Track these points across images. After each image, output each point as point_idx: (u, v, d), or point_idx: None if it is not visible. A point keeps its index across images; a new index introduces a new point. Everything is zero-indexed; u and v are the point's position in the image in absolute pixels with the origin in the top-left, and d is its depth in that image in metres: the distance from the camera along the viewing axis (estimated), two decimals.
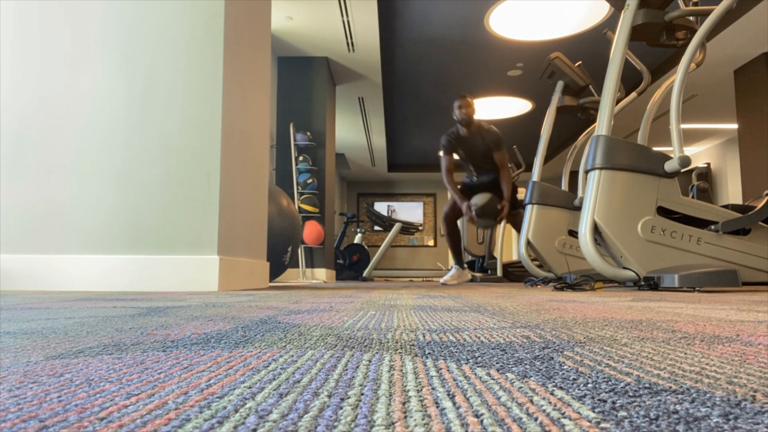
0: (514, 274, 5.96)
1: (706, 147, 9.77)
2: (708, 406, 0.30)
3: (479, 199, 4.10)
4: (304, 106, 6.07)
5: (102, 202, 2.32)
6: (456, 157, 4.44)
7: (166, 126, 2.35)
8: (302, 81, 6.08)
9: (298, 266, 5.80)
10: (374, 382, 0.36)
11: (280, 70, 6.11)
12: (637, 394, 0.33)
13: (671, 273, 2.38)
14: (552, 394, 0.33)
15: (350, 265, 7.57)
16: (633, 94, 3.75)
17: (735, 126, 8.30)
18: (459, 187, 4.43)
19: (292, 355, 0.48)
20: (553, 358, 0.47)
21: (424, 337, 0.62)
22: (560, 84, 4.18)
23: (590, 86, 4.12)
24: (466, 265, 4.61)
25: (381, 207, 13.17)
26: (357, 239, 9.25)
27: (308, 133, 5.91)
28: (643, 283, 2.53)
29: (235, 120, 2.55)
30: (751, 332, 0.67)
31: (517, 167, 6.63)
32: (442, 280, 4.30)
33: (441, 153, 4.33)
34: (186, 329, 0.70)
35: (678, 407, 0.30)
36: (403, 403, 0.30)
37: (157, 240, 2.29)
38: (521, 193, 5.94)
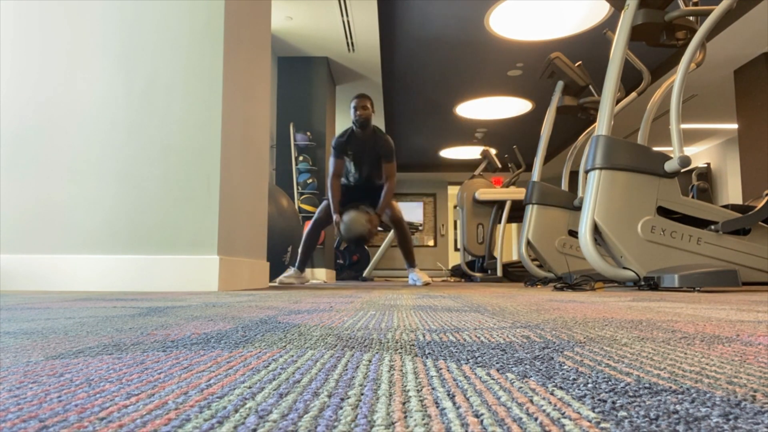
0: (514, 274, 5.96)
1: (706, 147, 9.77)
2: (708, 406, 0.30)
3: (348, 218, 3.80)
4: (304, 106, 6.07)
5: (102, 202, 2.32)
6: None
7: (166, 126, 2.35)
8: (302, 81, 6.08)
9: None
10: (374, 382, 0.36)
11: (280, 70, 6.11)
12: (637, 394, 0.33)
13: (671, 273, 2.38)
14: (552, 394, 0.33)
15: (350, 265, 7.57)
16: (633, 94, 3.75)
17: (735, 126, 8.30)
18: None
19: (292, 355, 0.48)
20: (553, 358, 0.47)
21: (424, 337, 0.62)
22: (560, 84, 4.18)
23: (590, 86, 4.12)
24: (306, 271, 4.42)
25: None
26: None
27: (308, 133, 5.91)
28: (643, 283, 2.53)
29: (235, 120, 2.55)
30: (751, 332, 0.67)
31: (517, 167, 6.63)
32: (278, 280, 4.02)
33: (331, 157, 4.01)
34: (186, 329, 0.70)
35: (678, 407, 0.30)
36: (403, 403, 0.30)
37: (157, 240, 2.29)
38: (522, 194, 5.94)
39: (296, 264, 4.09)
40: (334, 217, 3.91)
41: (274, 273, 4.04)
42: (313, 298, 1.54)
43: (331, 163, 4.02)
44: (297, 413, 0.28)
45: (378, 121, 8.42)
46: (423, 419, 0.27)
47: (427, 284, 3.94)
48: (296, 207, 5.32)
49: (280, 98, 6.08)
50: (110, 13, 2.42)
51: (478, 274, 6.06)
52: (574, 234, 4.18)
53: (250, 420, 0.27)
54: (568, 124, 8.95)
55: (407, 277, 4.09)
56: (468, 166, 12.14)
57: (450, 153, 11.16)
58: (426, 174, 12.60)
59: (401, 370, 0.41)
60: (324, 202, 4.16)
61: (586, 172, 2.71)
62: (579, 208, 4.11)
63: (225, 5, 2.44)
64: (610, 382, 0.36)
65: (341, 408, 0.29)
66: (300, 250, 4.10)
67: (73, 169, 2.35)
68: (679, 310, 1.07)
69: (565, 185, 4.46)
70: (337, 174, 4.02)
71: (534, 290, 2.58)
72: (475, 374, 0.39)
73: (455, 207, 13.18)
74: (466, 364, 0.44)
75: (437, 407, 0.29)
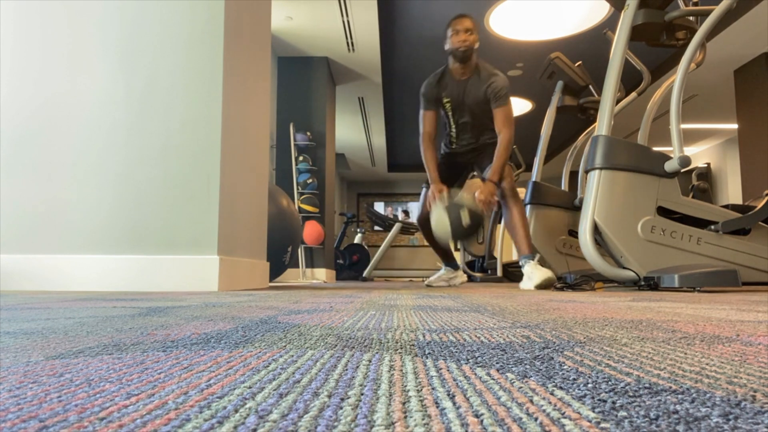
0: (514, 274, 5.96)
1: (706, 147, 9.77)
2: (708, 406, 0.30)
3: (464, 201, 2.71)
4: (304, 106, 6.07)
5: (102, 202, 2.32)
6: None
7: (166, 126, 2.35)
8: (302, 81, 6.08)
9: (298, 266, 5.80)
10: (374, 382, 0.36)
11: (280, 70, 6.11)
12: (637, 394, 0.33)
13: (671, 273, 2.38)
14: (552, 394, 0.33)
15: (350, 265, 7.57)
16: (633, 94, 3.75)
17: (735, 126, 8.30)
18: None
19: (292, 355, 0.48)
20: (553, 358, 0.47)
21: (424, 337, 0.62)
22: (560, 84, 4.18)
23: (590, 86, 4.12)
24: (461, 266, 3.56)
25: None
26: (357, 239, 9.26)
27: (308, 133, 5.91)
28: (643, 283, 2.53)
29: (235, 120, 2.55)
30: (751, 332, 0.67)
31: (517, 167, 6.63)
32: (427, 281, 3.37)
33: (420, 110, 3.13)
34: (186, 329, 0.70)
35: (678, 407, 0.30)
36: (403, 403, 0.30)
37: (157, 240, 2.29)
38: (522, 194, 5.93)
39: (445, 264, 3.41)
40: (432, 190, 2.95)
41: (274, 273, 4.04)
42: (313, 298, 1.54)
43: (420, 118, 3.12)
44: (297, 413, 0.28)
45: (378, 121, 8.40)
46: (423, 419, 0.27)
47: (544, 286, 2.65)
48: (296, 207, 5.32)
49: (280, 98, 6.08)
50: (110, 13, 2.42)
51: (478, 274, 6.06)
52: (574, 234, 4.18)
53: (250, 420, 0.27)
54: (568, 124, 8.95)
55: (520, 269, 2.83)
56: None
57: None
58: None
59: (401, 370, 0.41)
60: (423, 189, 3.25)
61: (586, 172, 2.71)
62: (579, 208, 4.11)
63: (225, 5, 2.44)
64: (610, 382, 0.36)
65: (341, 408, 0.29)
66: (436, 253, 3.41)
67: (74, 169, 2.35)
68: (679, 310, 1.07)
69: (565, 185, 4.46)
70: (429, 134, 3.08)
71: (534, 290, 2.58)
72: (475, 374, 0.39)
73: None
74: (466, 364, 0.44)
75: (437, 407, 0.29)
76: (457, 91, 3.03)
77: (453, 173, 3.31)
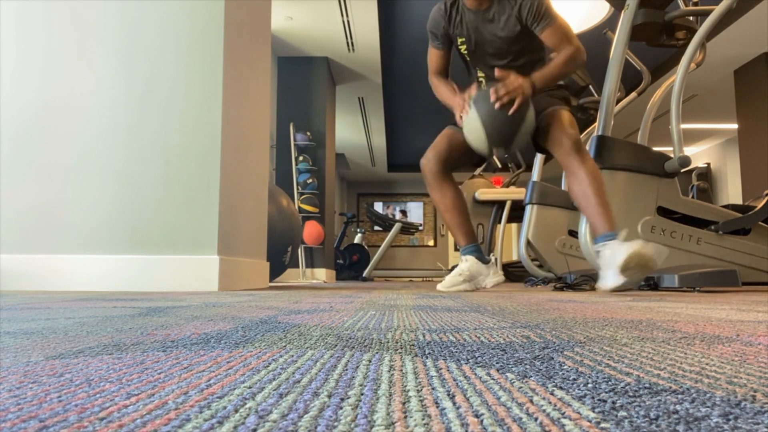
0: (514, 274, 5.96)
1: (706, 147, 9.77)
2: (708, 406, 0.30)
3: (480, 101, 2.00)
4: (304, 106, 6.07)
5: (102, 203, 2.32)
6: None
7: (166, 126, 2.35)
8: (302, 81, 6.08)
9: (298, 266, 5.80)
10: (374, 382, 0.36)
11: (280, 70, 6.11)
12: (637, 394, 0.33)
13: (671, 273, 2.38)
14: (552, 394, 0.33)
15: (350, 265, 7.57)
16: (633, 94, 3.75)
17: (735, 126, 8.30)
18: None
19: (292, 355, 0.48)
20: (553, 358, 0.47)
21: (424, 337, 0.62)
22: None
23: (590, 86, 4.12)
24: (492, 257, 2.66)
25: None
26: (357, 239, 9.26)
27: (308, 133, 5.91)
28: (643, 283, 2.53)
29: (235, 120, 2.55)
30: (751, 332, 0.67)
31: (517, 167, 6.63)
32: (440, 285, 2.32)
33: (429, 45, 2.35)
34: (186, 329, 0.70)
35: (678, 407, 0.30)
36: (403, 403, 0.30)
37: (157, 240, 2.29)
38: (522, 194, 5.94)
39: (465, 248, 2.35)
40: (458, 101, 2.08)
41: (274, 273, 4.04)
42: (313, 298, 1.54)
43: (430, 57, 2.38)
44: (297, 413, 0.28)
45: (378, 121, 8.40)
46: (423, 419, 0.27)
47: (634, 267, 1.75)
48: (296, 207, 5.32)
49: (280, 98, 6.08)
50: (111, 13, 2.42)
51: None
52: (574, 234, 4.18)
53: (250, 420, 0.27)
54: None
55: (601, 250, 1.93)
56: (468, 166, 12.11)
57: None
58: None
59: (401, 370, 0.41)
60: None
61: None
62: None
63: (225, 5, 2.44)
64: (610, 382, 0.36)
65: (341, 408, 0.29)
66: (450, 228, 2.39)
67: (74, 170, 2.35)
68: (679, 310, 1.07)
69: (565, 185, 4.46)
70: (438, 71, 2.34)
71: (534, 290, 2.58)
72: (475, 374, 0.39)
73: None
74: (466, 364, 0.44)
75: (437, 407, 0.29)
76: (474, 27, 2.20)
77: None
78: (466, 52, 2.30)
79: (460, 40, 2.28)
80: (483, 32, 2.20)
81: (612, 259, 1.81)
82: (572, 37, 2.16)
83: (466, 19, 2.21)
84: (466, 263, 2.30)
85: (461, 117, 2.08)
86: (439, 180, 2.32)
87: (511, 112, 1.96)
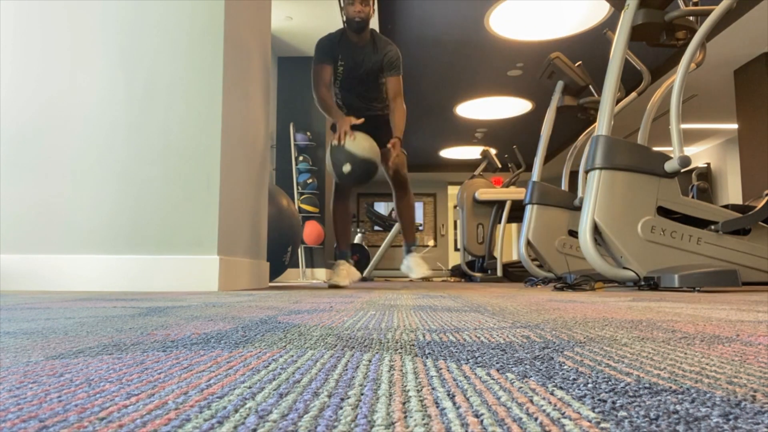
0: (514, 274, 5.96)
1: (706, 147, 9.77)
2: (708, 406, 0.30)
3: (357, 147, 2.75)
4: (304, 106, 6.07)
5: (102, 202, 2.32)
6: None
7: (166, 126, 2.35)
8: (302, 81, 6.08)
9: (298, 266, 5.80)
10: (374, 382, 0.36)
11: (280, 70, 6.11)
12: (637, 394, 0.33)
13: (671, 273, 2.38)
14: (552, 394, 0.33)
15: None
16: (633, 94, 3.75)
17: (735, 126, 8.30)
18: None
19: (292, 355, 0.48)
20: (553, 358, 0.47)
21: (424, 337, 0.62)
22: (560, 84, 4.18)
23: (590, 86, 4.12)
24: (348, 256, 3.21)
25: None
26: (357, 239, 9.25)
27: (308, 133, 5.91)
28: (643, 283, 2.53)
29: (235, 120, 2.55)
30: (751, 332, 0.67)
31: (517, 167, 6.63)
32: (331, 282, 2.97)
33: (314, 62, 3.05)
34: (186, 329, 0.70)
35: (678, 407, 0.30)
36: (403, 403, 0.30)
37: (157, 240, 2.29)
38: (522, 194, 5.94)
39: (341, 253, 3.17)
40: (342, 124, 2.82)
41: (274, 273, 4.04)
42: (313, 298, 1.54)
43: (313, 72, 3.05)
44: (297, 413, 0.28)
45: None
46: (423, 419, 0.27)
47: (426, 278, 3.30)
48: (296, 207, 5.32)
49: (280, 98, 6.08)
50: (111, 13, 2.42)
51: (478, 274, 6.06)
52: (574, 234, 4.18)
53: (250, 420, 0.27)
54: (568, 124, 8.94)
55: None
56: (468, 166, 12.14)
57: (450, 153, 11.15)
58: (426, 174, 12.59)
59: (401, 370, 0.41)
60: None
61: (586, 172, 2.71)
62: (579, 208, 4.11)
63: (225, 5, 2.44)
64: (610, 382, 0.36)
65: (341, 408, 0.29)
66: (336, 233, 3.22)
67: (74, 169, 2.35)
68: (679, 310, 1.07)
69: (565, 185, 4.46)
70: (325, 81, 3.02)
71: (534, 290, 2.58)
72: (475, 374, 0.39)
73: (455, 207, 13.18)
74: (466, 364, 0.44)
75: (437, 407, 0.29)
76: (353, 57, 3.03)
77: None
78: (342, 70, 3.08)
79: (340, 63, 3.05)
80: (360, 62, 3.03)
81: (410, 269, 3.07)
82: (402, 93, 3.13)
83: (348, 50, 3.02)
84: (346, 265, 3.08)
85: (338, 139, 2.80)
86: (343, 200, 3.24)
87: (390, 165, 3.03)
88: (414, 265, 3.11)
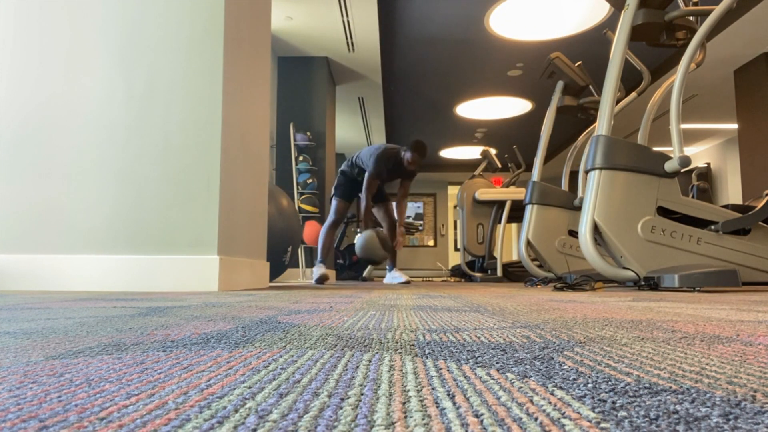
0: (514, 274, 5.96)
1: (706, 147, 9.77)
2: (708, 406, 0.30)
3: (367, 239, 3.87)
4: (304, 106, 6.07)
5: (102, 202, 2.32)
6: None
7: (166, 126, 2.35)
8: (302, 81, 6.08)
9: (298, 266, 5.80)
10: (374, 382, 0.36)
11: (280, 70, 6.11)
12: (637, 394, 0.33)
13: (671, 273, 2.38)
14: (552, 394, 0.33)
15: (350, 265, 7.56)
16: (633, 94, 3.75)
17: (735, 126, 8.30)
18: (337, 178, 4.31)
19: (292, 355, 0.48)
20: (553, 358, 0.47)
21: (424, 337, 0.62)
22: (560, 84, 4.18)
23: (590, 86, 4.12)
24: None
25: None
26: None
27: (308, 133, 5.91)
28: (643, 283, 2.53)
29: (235, 120, 2.55)
30: (751, 332, 0.67)
31: (517, 167, 6.63)
32: (315, 279, 4.00)
33: (368, 174, 4.05)
34: (186, 329, 0.70)
35: (678, 407, 0.30)
36: (403, 403, 0.30)
37: (157, 240, 2.29)
38: (522, 194, 5.94)
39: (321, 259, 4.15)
40: (367, 224, 3.98)
41: (274, 273, 4.04)
42: (313, 298, 1.54)
43: (367, 179, 4.03)
44: (297, 413, 0.28)
45: (378, 121, 8.41)
46: (423, 419, 0.27)
47: (407, 282, 4.10)
48: (296, 207, 5.32)
49: (280, 98, 6.08)
50: (110, 13, 2.42)
51: (478, 274, 6.06)
52: (574, 234, 4.18)
53: (250, 420, 0.27)
54: (568, 124, 8.94)
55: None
56: (468, 166, 12.14)
57: (450, 153, 11.16)
58: (426, 174, 12.60)
59: (401, 370, 0.41)
60: (335, 202, 4.26)
61: (586, 172, 2.71)
62: (579, 208, 4.11)
63: (225, 5, 2.44)
64: (610, 382, 0.36)
65: (341, 408, 0.29)
66: (321, 249, 4.20)
67: (74, 169, 2.35)
68: (679, 310, 1.07)
69: (565, 185, 4.46)
70: (374, 193, 4.11)
71: (534, 290, 2.58)
72: (475, 374, 0.39)
73: (455, 207, 13.17)
74: (466, 364, 0.44)
75: (437, 407, 0.29)
76: (392, 171, 4.15)
77: (354, 190, 4.36)
78: (383, 174, 4.15)
79: (385, 170, 4.11)
80: (395, 174, 4.14)
81: (396, 277, 4.18)
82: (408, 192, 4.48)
83: (397, 167, 4.08)
84: (323, 268, 4.03)
85: (364, 228, 3.95)
86: (336, 227, 4.29)
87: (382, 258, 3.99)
88: (396, 275, 4.16)
